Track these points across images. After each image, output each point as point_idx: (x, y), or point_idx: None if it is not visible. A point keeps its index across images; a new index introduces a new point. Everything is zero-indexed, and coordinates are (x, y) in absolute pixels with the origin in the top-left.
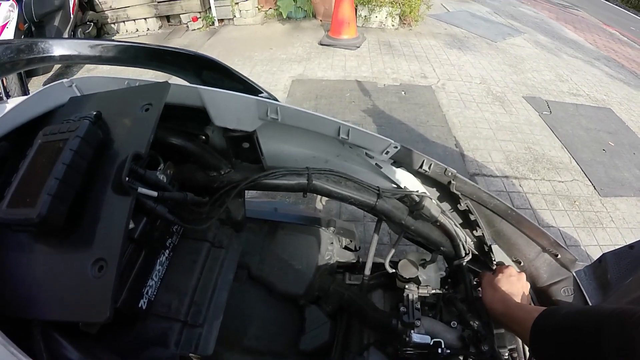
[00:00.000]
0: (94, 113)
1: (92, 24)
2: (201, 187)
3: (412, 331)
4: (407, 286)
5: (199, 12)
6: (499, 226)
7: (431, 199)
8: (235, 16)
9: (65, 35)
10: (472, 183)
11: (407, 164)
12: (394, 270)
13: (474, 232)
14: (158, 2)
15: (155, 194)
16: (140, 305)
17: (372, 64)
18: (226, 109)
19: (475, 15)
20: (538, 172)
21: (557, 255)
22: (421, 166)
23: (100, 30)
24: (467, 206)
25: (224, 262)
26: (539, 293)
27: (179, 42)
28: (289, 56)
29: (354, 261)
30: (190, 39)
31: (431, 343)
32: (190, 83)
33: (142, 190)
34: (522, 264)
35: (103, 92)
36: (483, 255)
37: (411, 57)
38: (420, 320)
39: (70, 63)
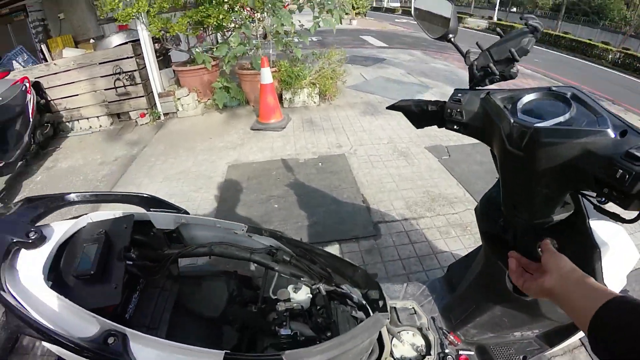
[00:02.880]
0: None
1: (49, 125)
2: (154, 258)
3: (279, 328)
4: (279, 304)
5: (146, 109)
6: (327, 260)
7: (284, 250)
8: (178, 109)
9: (26, 137)
10: (296, 240)
11: (261, 231)
12: (276, 297)
13: (315, 265)
14: (109, 102)
15: (131, 262)
16: (126, 316)
17: (295, 142)
18: (160, 220)
19: (389, 80)
20: (434, 210)
21: (359, 269)
22: (261, 233)
23: (57, 129)
24: (300, 251)
25: (168, 297)
26: (364, 295)
27: (130, 137)
28: (225, 144)
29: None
30: (139, 134)
31: (291, 333)
32: (145, 210)
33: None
34: (348, 280)
35: (105, 220)
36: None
37: (329, 130)
38: (287, 322)
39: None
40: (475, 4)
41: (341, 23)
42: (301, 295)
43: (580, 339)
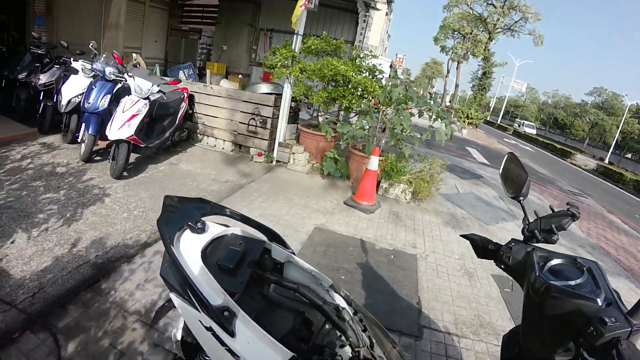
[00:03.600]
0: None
1: (186, 130)
2: (259, 276)
3: None
4: (326, 350)
5: (264, 151)
6: (374, 330)
7: (347, 311)
8: (289, 162)
9: (167, 134)
10: (361, 307)
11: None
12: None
13: (365, 332)
14: (238, 133)
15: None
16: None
17: (377, 229)
18: (277, 252)
19: (480, 199)
20: (479, 335)
21: (396, 349)
22: (339, 292)
23: (189, 137)
24: (361, 316)
25: (254, 307)
26: None
27: (243, 168)
28: (318, 207)
29: None
30: (251, 169)
31: None
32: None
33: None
34: (385, 354)
35: (245, 236)
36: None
37: (410, 229)
38: None
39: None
40: (589, 142)
41: (451, 138)
42: (343, 352)
43: None
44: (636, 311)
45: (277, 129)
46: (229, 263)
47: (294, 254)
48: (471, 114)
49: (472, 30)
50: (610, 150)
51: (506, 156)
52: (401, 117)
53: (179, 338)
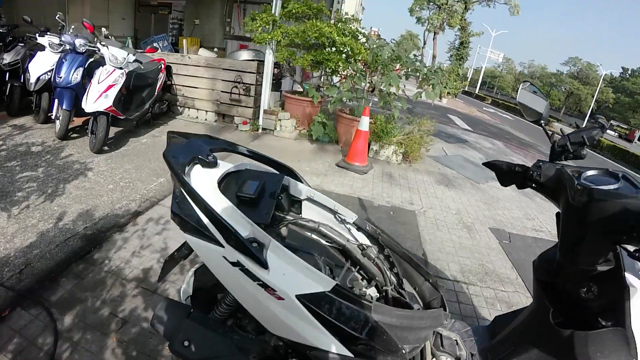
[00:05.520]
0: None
1: (166, 102)
2: (275, 216)
3: None
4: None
5: (249, 119)
6: (403, 265)
7: (372, 249)
8: (276, 129)
9: (147, 105)
10: (390, 237)
11: (360, 225)
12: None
13: (393, 269)
14: (221, 103)
15: None
16: None
17: (373, 188)
18: (295, 188)
19: (468, 160)
20: (485, 282)
21: (430, 281)
22: (365, 227)
23: (170, 109)
24: (388, 252)
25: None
26: (426, 306)
27: (229, 136)
28: (311, 169)
29: None
30: (237, 137)
31: None
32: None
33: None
34: (416, 289)
35: (262, 171)
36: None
37: (405, 187)
38: None
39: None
40: (565, 110)
41: (440, 99)
42: (370, 292)
43: None
44: None
45: (261, 96)
46: (250, 193)
47: (314, 189)
48: (451, 83)
49: (448, 1)
50: (586, 119)
51: (521, 84)
52: (390, 78)
53: (190, 293)
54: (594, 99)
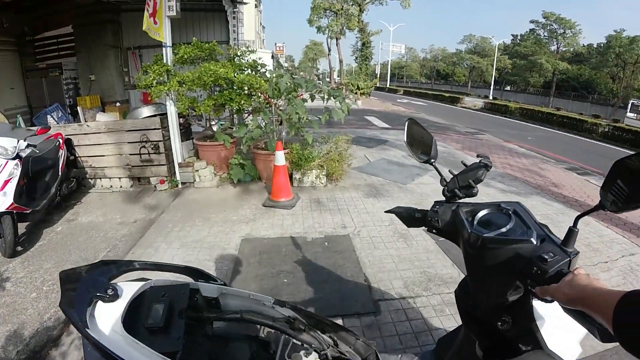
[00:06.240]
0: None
1: (74, 179)
2: (196, 319)
3: None
4: None
5: (166, 177)
6: (333, 329)
7: (300, 320)
8: (195, 180)
9: (53, 189)
10: (311, 312)
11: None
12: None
13: (325, 334)
14: (132, 166)
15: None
16: None
17: (303, 221)
18: (206, 289)
19: (391, 162)
20: (430, 289)
21: (361, 340)
22: (285, 306)
23: (80, 184)
24: (313, 322)
25: (203, 353)
26: None
27: (148, 201)
28: (239, 217)
29: None
30: (157, 199)
31: None
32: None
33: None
34: (351, 347)
35: (166, 285)
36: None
37: (335, 210)
38: None
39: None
40: (472, 84)
41: (349, 114)
42: (311, 359)
43: None
44: (568, 240)
45: (172, 150)
46: (157, 322)
47: (224, 284)
48: (360, 85)
49: (343, 6)
50: (492, 88)
51: (407, 123)
52: (295, 106)
53: None
54: (494, 68)
